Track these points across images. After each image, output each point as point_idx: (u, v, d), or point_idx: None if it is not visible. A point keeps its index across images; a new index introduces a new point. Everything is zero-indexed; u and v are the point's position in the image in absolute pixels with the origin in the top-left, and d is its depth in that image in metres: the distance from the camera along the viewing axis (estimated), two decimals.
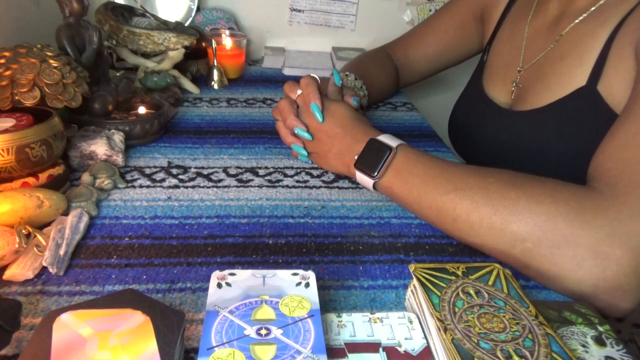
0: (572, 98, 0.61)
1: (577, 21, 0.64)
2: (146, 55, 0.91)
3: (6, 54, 0.58)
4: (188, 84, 0.92)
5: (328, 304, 0.43)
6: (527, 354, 0.32)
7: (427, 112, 1.37)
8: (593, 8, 0.63)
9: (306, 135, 0.63)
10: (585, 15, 0.64)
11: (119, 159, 0.63)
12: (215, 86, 0.96)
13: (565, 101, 0.62)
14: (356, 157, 0.58)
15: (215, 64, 0.95)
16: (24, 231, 0.45)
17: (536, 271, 0.45)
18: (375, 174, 0.56)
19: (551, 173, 0.49)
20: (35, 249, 0.45)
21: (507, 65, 0.75)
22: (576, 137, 0.61)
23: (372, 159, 0.56)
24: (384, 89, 0.92)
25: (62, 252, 0.45)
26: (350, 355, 0.35)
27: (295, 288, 0.38)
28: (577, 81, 0.61)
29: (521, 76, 0.71)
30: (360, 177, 0.58)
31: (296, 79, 1.06)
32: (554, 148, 0.63)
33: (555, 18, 0.69)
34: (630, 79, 0.55)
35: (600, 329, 0.37)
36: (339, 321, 0.38)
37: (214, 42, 0.94)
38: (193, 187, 0.60)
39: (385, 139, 0.57)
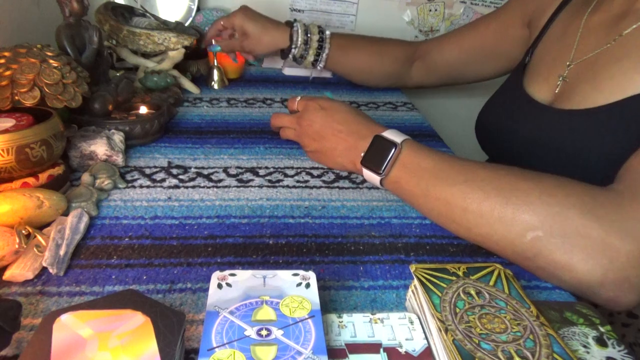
0: (626, 105, 0.57)
1: (637, 24, 0.60)
2: (146, 55, 0.91)
3: (6, 54, 0.58)
4: (188, 84, 0.92)
5: (329, 305, 0.43)
6: (529, 354, 0.32)
7: (428, 113, 1.37)
8: None
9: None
10: None
11: (119, 159, 0.63)
12: (216, 86, 0.96)
13: (616, 106, 0.58)
14: (362, 155, 0.59)
15: (215, 64, 0.95)
16: (23, 231, 0.45)
17: (545, 260, 0.45)
18: (382, 170, 0.57)
19: (585, 177, 0.49)
20: (35, 249, 0.45)
21: (555, 60, 0.71)
22: (622, 145, 0.57)
23: (378, 155, 0.57)
24: (365, 69, 0.95)
25: (62, 252, 0.45)
26: (351, 355, 0.35)
27: (295, 288, 0.38)
28: (633, 87, 0.57)
29: (570, 70, 0.67)
30: (368, 174, 0.59)
31: (296, 79, 1.06)
32: (596, 152, 0.60)
33: (616, 16, 0.65)
34: None
35: (602, 329, 0.37)
36: (339, 322, 0.38)
37: (214, 41, 0.94)
38: (193, 187, 0.60)
39: (390, 134, 0.58)
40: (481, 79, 0.95)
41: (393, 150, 0.56)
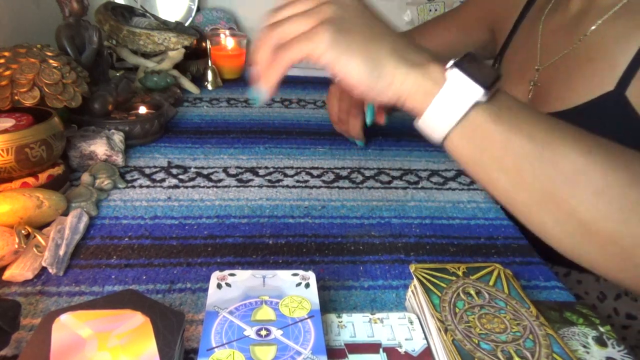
0: (598, 103, 0.58)
1: (601, 21, 0.60)
2: (146, 55, 0.91)
3: (6, 54, 0.58)
4: (188, 84, 0.92)
5: (328, 305, 0.43)
6: (528, 354, 0.32)
7: None
8: (618, 6, 0.59)
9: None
10: (610, 14, 0.60)
11: (119, 159, 0.63)
12: (210, 87, 0.96)
13: (590, 106, 0.58)
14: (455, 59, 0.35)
15: (210, 64, 0.95)
16: (23, 231, 0.45)
17: None
18: (490, 82, 0.34)
19: None
20: (34, 249, 0.45)
21: (523, 66, 0.71)
22: None
23: (478, 66, 0.35)
24: None
25: (61, 252, 0.45)
26: (350, 356, 0.35)
27: (295, 288, 0.38)
28: (605, 85, 0.57)
29: (540, 75, 0.67)
30: (456, 84, 0.34)
31: (296, 79, 1.06)
32: None
33: (575, 15, 0.65)
34: None
35: (602, 329, 0.37)
36: (339, 322, 0.38)
37: (208, 42, 0.94)
38: (193, 187, 0.60)
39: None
40: None
41: (498, 72, 0.37)
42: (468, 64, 0.34)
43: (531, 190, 0.34)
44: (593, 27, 0.61)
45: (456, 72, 0.34)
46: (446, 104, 0.34)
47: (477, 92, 0.33)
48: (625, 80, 0.56)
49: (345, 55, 0.35)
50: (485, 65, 0.35)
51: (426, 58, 0.36)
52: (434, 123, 0.35)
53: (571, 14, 0.66)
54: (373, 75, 0.35)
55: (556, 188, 0.33)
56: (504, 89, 0.36)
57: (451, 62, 0.35)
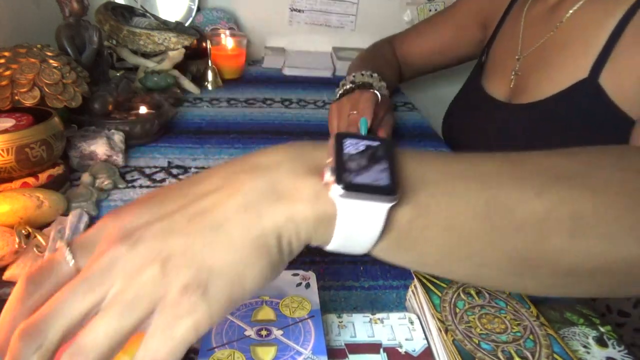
0: (573, 90, 0.58)
1: (576, 7, 0.62)
2: (146, 55, 0.91)
3: (6, 54, 0.58)
4: (188, 84, 0.92)
5: (328, 305, 0.43)
6: (529, 354, 0.32)
7: (424, 108, 1.37)
8: None
9: None
10: (584, 0, 0.61)
11: (119, 159, 0.63)
12: (210, 87, 0.95)
13: (565, 94, 0.59)
14: (330, 162, 0.24)
15: (210, 64, 0.95)
16: (23, 231, 0.45)
17: None
18: (394, 187, 0.24)
19: None
20: (35, 249, 0.45)
21: (506, 56, 0.73)
22: (577, 133, 0.57)
23: (365, 167, 0.24)
24: (390, 85, 0.93)
25: None
26: (350, 356, 0.35)
27: (295, 288, 0.38)
28: (579, 72, 0.58)
29: (520, 64, 0.69)
30: (355, 209, 0.24)
31: (296, 79, 1.06)
32: (555, 144, 0.58)
33: (554, 4, 0.67)
34: None
35: (602, 329, 0.37)
36: (339, 322, 0.38)
37: (208, 42, 0.94)
38: None
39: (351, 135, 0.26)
40: (441, 69, 0.99)
41: (386, 151, 0.25)
42: (351, 168, 0.24)
43: (498, 267, 0.27)
44: (568, 15, 0.63)
45: (341, 190, 0.23)
46: (353, 225, 0.25)
47: (384, 200, 0.23)
48: (597, 67, 0.57)
49: (238, 282, 0.23)
50: (365, 144, 0.25)
51: (286, 174, 0.24)
52: (348, 248, 0.27)
53: (550, 3, 0.68)
54: (273, 260, 0.25)
55: (526, 251, 0.26)
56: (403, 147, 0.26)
57: (329, 175, 0.23)
